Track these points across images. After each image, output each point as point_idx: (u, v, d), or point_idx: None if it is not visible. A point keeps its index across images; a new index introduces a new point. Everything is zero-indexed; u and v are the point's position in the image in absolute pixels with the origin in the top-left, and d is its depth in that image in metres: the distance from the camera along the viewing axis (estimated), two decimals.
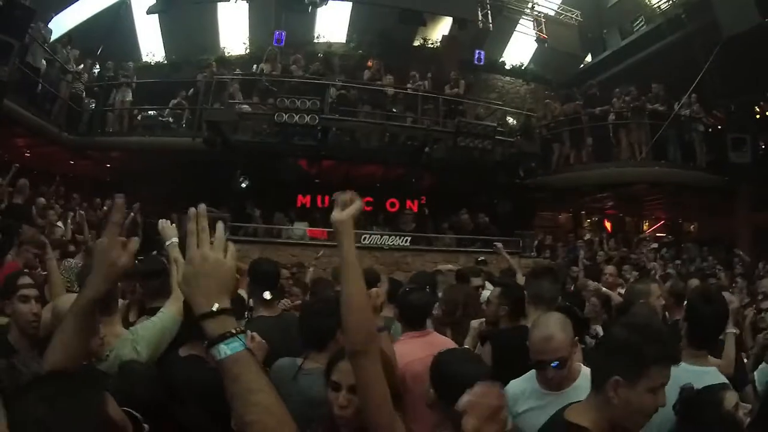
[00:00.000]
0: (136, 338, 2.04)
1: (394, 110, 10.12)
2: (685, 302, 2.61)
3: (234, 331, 0.94)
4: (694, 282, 5.48)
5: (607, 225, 12.87)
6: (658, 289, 3.33)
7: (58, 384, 0.93)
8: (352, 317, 1.41)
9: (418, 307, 2.64)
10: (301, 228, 9.66)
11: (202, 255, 0.98)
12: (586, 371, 1.83)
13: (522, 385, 2.01)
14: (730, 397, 1.70)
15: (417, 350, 2.39)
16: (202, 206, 1.01)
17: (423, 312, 2.68)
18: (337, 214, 1.48)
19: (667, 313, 3.59)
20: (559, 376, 1.88)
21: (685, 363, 2.05)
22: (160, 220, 2.25)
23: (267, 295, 2.84)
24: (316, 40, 12.46)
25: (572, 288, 5.57)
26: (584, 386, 1.54)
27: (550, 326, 1.87)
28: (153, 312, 2.59)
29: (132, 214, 9.41)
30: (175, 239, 2.12)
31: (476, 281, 4.52)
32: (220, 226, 1.03)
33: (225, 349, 0.93)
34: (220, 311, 0.95)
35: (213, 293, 0.96)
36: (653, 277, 5.58)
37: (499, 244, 6.40)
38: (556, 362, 1.83)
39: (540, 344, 1.86)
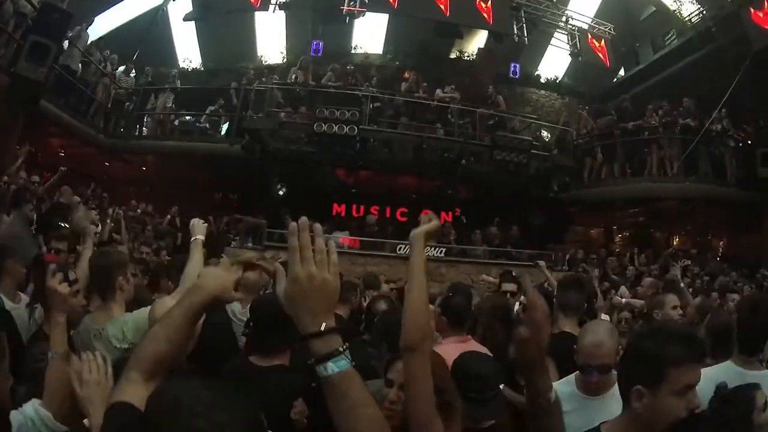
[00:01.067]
0: (126, 321, 2.22)
1: (430, 121, 10.17)
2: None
3: (341, 350, 0.96)
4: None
5: (638, 240, 12.80)
6: (676, 299, 3.40)
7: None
8: (411, 316, 1.50)
9: (460, 309, 2.78)
10: (338, 236, 9.71)
11: (309, 274, 0.96)
12: None
13: (561, 388, 2.02)
14: (761, 396, 1.74)
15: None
16: (304, 219, 0.98)
17: (464, 315, 2.81)
18: (414, 230, 1.54)
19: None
20: (602, 382, 1.95)
21: (741, 368, 2.24)
22: (193, 219, 2.31)
23: None
24: (353, 51, 12.56)
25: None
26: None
27: (600, 333, 1.97)
28: None
29: (169, 216, 9.66)
30: (200, 237, 2.19)
31: (507, 287, 4.56)
32: (325, 241, 0.99)
33: (333, 367, 0.94)
34: (327, 330, 0.96)
35: (320, 313, 0.96)
36: (677, 288, 5.64)
37: (542, 262, 6.48)
38: (603, 368, 1.92)
39: (590, 349, 1.94)
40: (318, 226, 0.99)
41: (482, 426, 1.78)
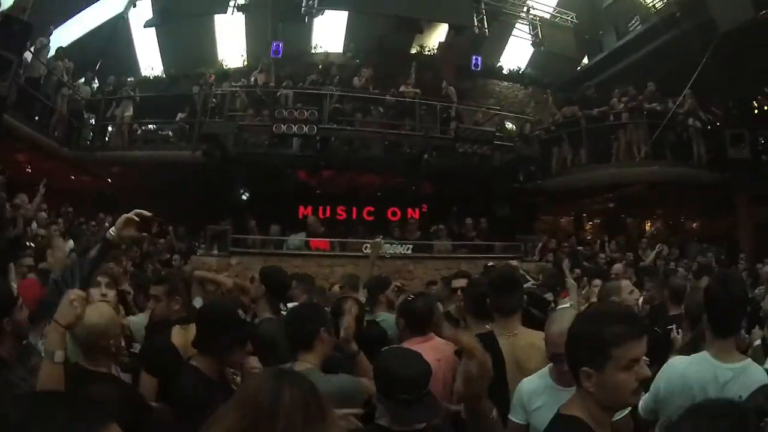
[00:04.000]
0: None
1: (392, 117, 10.13)
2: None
3: None
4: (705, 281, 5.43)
5: (608, 227, 12.87)
6: (630, 284, 3.41)
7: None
8: None
9: (422, 313, 2.75)
10: (297, 239, 9.64)
11: None
12: None
13: (536, 382, 2.08)
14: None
15: (425, 354, 2.41)
16: None
17: (426, 318, 2.78)
18: None
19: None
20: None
21: (716, 360, 2.03)
22: None
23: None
24: (313, 50, 12.48)
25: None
26: None
27: (565, 321, 1.94)
28: (182, 321, 2.77)
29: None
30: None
31: (458, 282, 4.40)
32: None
33: None
34: None
35: None
36: (623, 275, 5.63)
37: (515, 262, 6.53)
38: None
39: (556, 338, 1.94)
40: None
41: (414, 429, 1.73)
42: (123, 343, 2.43)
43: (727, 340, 2.09)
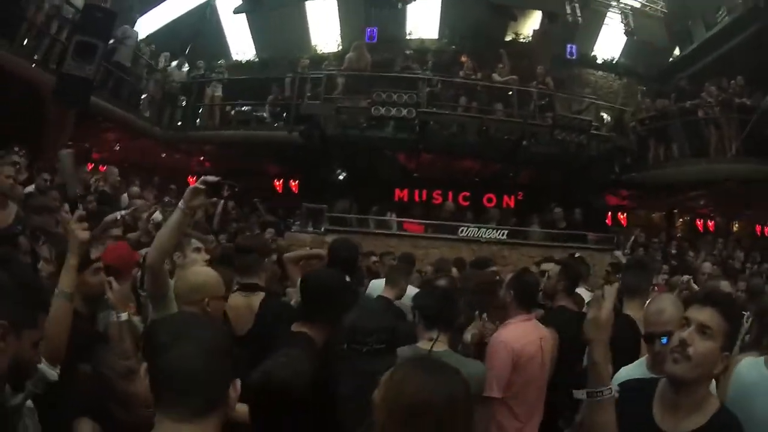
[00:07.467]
0: None
1: (491, 103, 10.06)
2: None
3: None
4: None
5: (699, 225, 12.48)
6: (728, 287, 3.46)
7: None
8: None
9: (531, 286, 2.84)
10: (384, 219, 9.70)
11: None
12: None
13: (632, 371, 2.06)
14: None
15: (530, 333, 2.65)
16: None
17: (534, 292, 2.88)
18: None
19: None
20: (666, 353, 1.86)
21: (763, 364, 1.93)
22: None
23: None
24: (408, 37, 12.52)
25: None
26: None
27: (663, 302, 2.09)
28: (246, 288, 2.81)
29: (222, 202, 9.68)
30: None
31: (546, 266, 4.62)
32: None
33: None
34: None
35: None
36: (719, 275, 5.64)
37: (619, 252, 6.56)
38: (665, 337, 1.85)
39: (652, 316, 2.05)
40: None
41: None
42: None
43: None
